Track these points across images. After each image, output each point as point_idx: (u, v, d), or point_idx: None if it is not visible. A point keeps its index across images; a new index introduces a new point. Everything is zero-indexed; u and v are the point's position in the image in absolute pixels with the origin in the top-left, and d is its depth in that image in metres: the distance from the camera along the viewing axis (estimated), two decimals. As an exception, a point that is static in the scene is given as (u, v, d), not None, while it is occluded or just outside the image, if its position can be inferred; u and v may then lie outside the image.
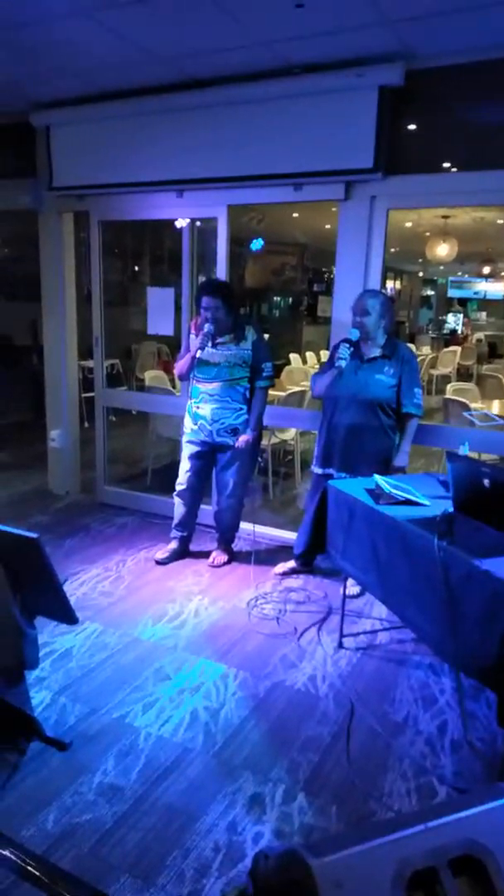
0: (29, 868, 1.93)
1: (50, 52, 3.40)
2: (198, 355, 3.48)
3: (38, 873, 1.91)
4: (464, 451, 2.78)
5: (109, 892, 1.76)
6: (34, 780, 2.12)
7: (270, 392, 3.79)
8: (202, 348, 3.44)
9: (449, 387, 6.58)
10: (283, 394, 5.34)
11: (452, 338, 15.53)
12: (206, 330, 3.41)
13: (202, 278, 4.23)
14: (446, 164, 3.42)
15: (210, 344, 3.47)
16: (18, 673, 2.10)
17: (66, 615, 2.09)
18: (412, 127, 3.44)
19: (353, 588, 3.38)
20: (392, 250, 11.11)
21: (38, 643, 2.15)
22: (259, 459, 4.22)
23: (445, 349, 12.73)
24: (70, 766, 2.19)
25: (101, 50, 3.33)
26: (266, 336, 4.24)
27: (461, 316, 17.15)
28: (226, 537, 3.91)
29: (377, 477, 2.69)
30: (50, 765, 2.19)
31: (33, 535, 1.91)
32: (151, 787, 2.11)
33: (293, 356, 8.49)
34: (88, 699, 2.55)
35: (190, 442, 3.70)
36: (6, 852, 1.94)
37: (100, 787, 2.10)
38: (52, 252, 4.72)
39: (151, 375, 5.89)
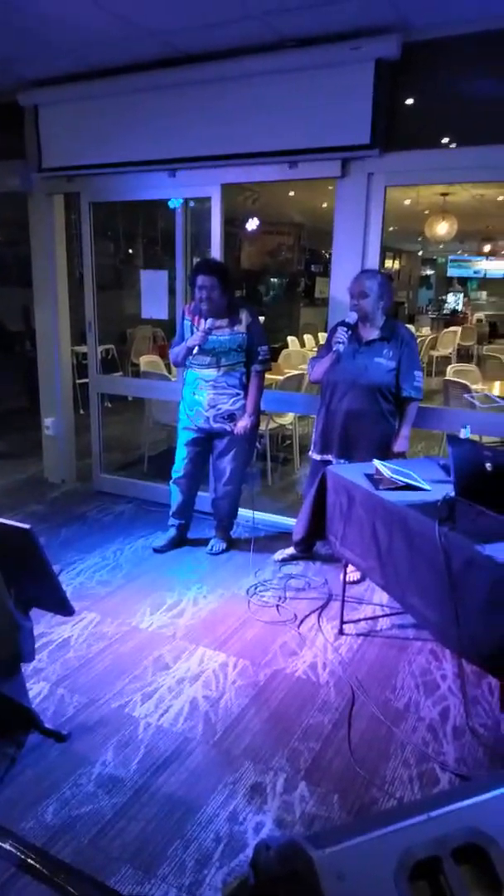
0: (29, 860, 1.92)
1: (38, 29, 3.29)
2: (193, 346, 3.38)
3: (38, 865, 1.90)
4: (465, 433, 2.74)
5: (110, 884, 1.74)
6: (33, 773, 2.10)
7: (268, 376, 3.73)
8: (201, 344, 3.35)
9: (449, 368, 6.53)
10: (280, 378, 5.28)
11: (452, 318, 15.41)
12: (206, 326, 3.32)
13: (196, 260, 4.15)
14: (445, 140, 3.33)
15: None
16: (14, 665, 2.08)
17: (62, 606, 2.07)
18: (409, 102, 3.34)
19: (353, 574, 3.36)
20: (390, 229, 10.96)
21: (35, 634, 2.13)
22: (257, 445, 4.17)
23: (445, 330, 12.64)
24: (69, 757, 2.17)
25: (90, 25, 3.22)
26: (262, 319, 4.16)
27: (461, 296, 17.00)
28: (224, 524, 3.88)
29: (377, 462, 2.65)
30: (48, 757, 2.17)
31: (25, 525, 1.87)
32: (151, 778, 2.09)
33: (290, 339, 8.41)
34: (87, 690, 2.53)
35: (186, 429, 3.65)
36: (6, 845, 1.93)
37: (99, 779, 2.08)
38: (43, 235, 4.63)
39: (147, 360, 5.82)
